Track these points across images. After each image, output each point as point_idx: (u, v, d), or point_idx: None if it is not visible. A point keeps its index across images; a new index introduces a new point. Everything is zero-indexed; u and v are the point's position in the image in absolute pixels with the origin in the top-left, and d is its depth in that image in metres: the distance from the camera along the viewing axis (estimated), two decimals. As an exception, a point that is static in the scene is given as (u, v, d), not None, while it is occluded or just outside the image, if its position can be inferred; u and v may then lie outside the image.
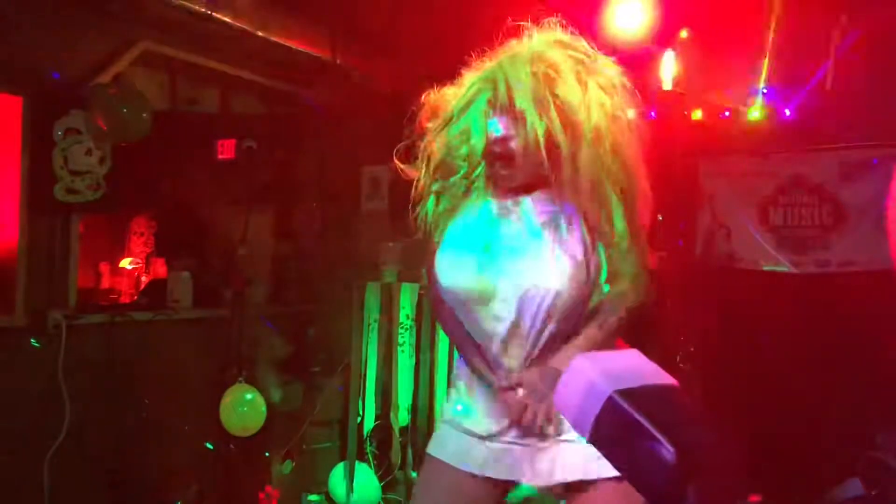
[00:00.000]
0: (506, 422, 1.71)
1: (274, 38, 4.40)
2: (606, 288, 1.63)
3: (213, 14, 4.10)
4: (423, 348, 4.17)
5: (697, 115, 4.63)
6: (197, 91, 4.91)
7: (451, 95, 1.73)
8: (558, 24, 1.68)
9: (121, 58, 4.09)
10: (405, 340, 4.23)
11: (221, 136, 4.57)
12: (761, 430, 4.20)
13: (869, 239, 4.22)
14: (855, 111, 4.24)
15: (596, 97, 1.55)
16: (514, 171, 1.64)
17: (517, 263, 1.60)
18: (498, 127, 1.62)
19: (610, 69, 1.64)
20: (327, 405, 4.50)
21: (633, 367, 1.06)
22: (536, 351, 1.66)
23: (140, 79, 4.40)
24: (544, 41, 1.62)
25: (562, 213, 1.62)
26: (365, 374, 4.28)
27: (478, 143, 1.64)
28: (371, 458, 4.35)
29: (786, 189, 4.45)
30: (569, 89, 1.53)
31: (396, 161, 1.84)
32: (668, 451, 0.90)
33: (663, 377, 1.04)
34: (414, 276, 4.21)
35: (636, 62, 4.70)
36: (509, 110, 1.59)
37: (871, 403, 3.91)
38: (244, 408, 3.77)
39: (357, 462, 4.19)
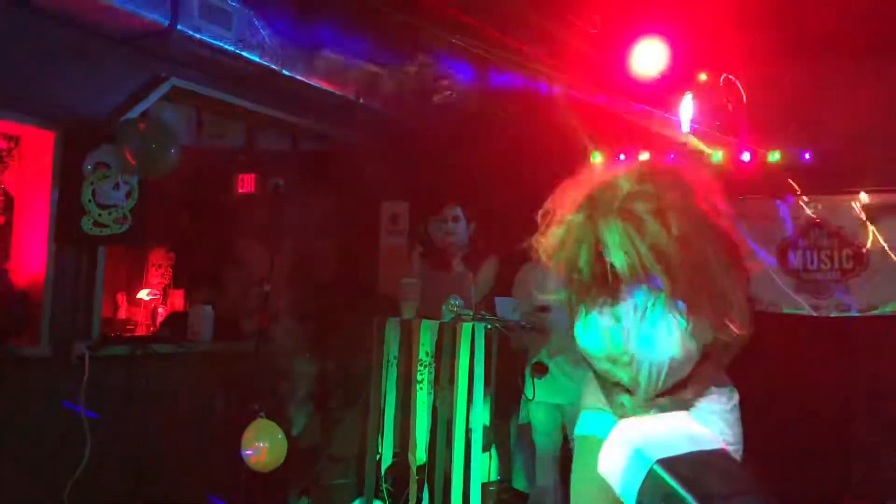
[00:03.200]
0: None
1: (299, 77, 4.50)
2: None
3: (242, 53, 4.20)
4: (442, 386, 4.16)
5: (717, 156, 4.66)
6: (223, 126, 4.99)
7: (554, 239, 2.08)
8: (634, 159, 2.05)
9: (150, 94, 4.17)
10: (424, 378, 4.22)
11: (246, 170, 4.64)
12: (781, 474, 4.17)
13: (888, 283, 4.23)
14: (875, 155, 4.28)
15: (679, 230, 1.88)
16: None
17: (642, 344, 2.01)
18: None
19: (686, 185, 1.97)
20: (345, 441, 4.49)
21: (680, 432, 1.05)
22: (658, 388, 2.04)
23: (168, 114, 4.47)
24: (626, 194, 1.93)
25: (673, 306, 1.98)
26: (383, 411, 4.27)
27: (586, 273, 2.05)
28: (387, 496, 4.33)
29: (805, 232, 4.47)
30: (654, 235, 1.88)
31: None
32: None
33: (711, 442, 1.03)
34: (435, 313, 4.23)
35: (655, 105, 4.78)
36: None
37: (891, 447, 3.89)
38: (265, 443, 3.77)
39: (373, 499, 4.16)
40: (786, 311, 4.43)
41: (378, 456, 4.26)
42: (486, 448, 4.01)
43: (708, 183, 2.03)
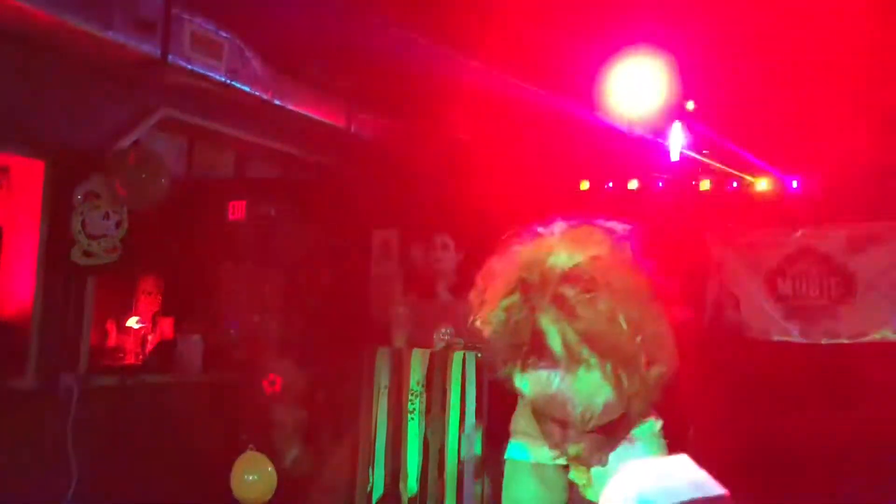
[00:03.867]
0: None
1: (290, 107, 4.51)
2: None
3: (232, 83, 4.21)
4: (434, 415, 4.14)
5: (706, 185, 4.70)
6: (214, 156, 4.99)
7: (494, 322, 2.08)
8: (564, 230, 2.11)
9: (141, 124, 4.17)
10: (415, 407, 4.21)
11: (236, 198, 4.63)
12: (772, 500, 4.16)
13: (877, 311, 4.25)
14: (862, 184, 4.32)
15: (604, 312, 1.94)
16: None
17: (575, 393, 2.01)
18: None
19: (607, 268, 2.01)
20: (336, 472, 4.45)
21: (683, 476, 1.06)
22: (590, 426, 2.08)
23: (159, 144, 4.47)
24: (557, 278, 1.98)
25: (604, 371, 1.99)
26: (374, 441, 4.25)
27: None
28: (378, 527, 4.29)
29: (794, 260, 4.50)
30: (586, 318, 1.93)
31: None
32: None
33: (714, 488, 1.04)
34: (424, 342, 4.22)
35: (644, 132, 4.81)
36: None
37: (886, 476, 3.88)
38: (255, 476, 3.73)
39: (364, 531, 4.13)
40: (775, 338, 4.44)
41: (369, 487, 4.23)
42: (477, 477, 3.99)
43: (639, 244, 2.10)
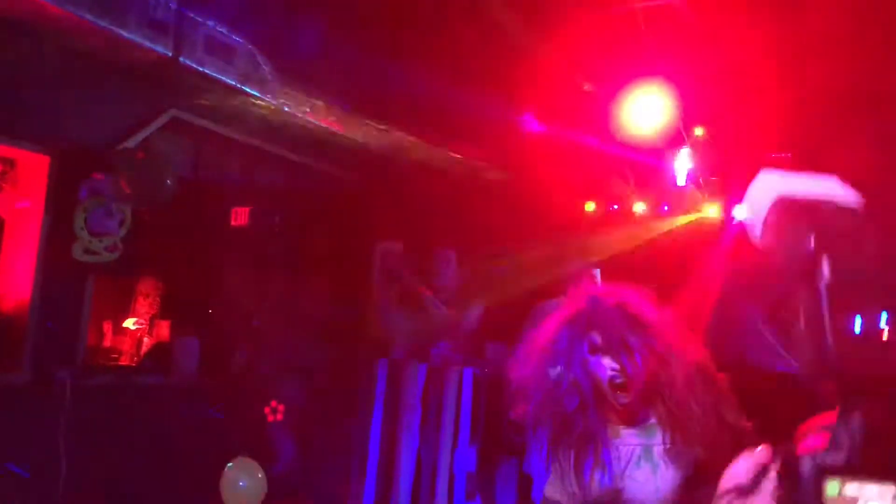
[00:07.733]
0: None
1: (299, 114, 4.51)
2: None
3: (243, 87, 4.22)
4: (428, 430, 4.10)
5: (712, 210, 4.69)
6: (221, 160, 4.99)
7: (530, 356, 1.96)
8: None
9: (150, 124, 4.17)
10: (410, 421, 4.16)
11: (241, 204, 4.62)
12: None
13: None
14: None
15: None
16: (629, 396, 1.88)
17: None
18: (607, 363, 1.89)
19: None
20: (328, 483, 4.40)
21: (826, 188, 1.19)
22: None
23: (166, 145, 4.47)
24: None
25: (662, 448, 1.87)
26: (367, 454, 4.20)
27: (583, 381, 1.89)
28: (368, 541, 4.23)
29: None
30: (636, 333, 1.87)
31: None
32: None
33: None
34: (423, 354, 4.18)
35: (651, 157, 4.81)
36: (612, 348, 1.88)
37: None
38: (245, 481, 3.68)
39: (353, 545, 4.07)
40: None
41: (361, 499, 4.18)
42: (470, 496, 3.94)
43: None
